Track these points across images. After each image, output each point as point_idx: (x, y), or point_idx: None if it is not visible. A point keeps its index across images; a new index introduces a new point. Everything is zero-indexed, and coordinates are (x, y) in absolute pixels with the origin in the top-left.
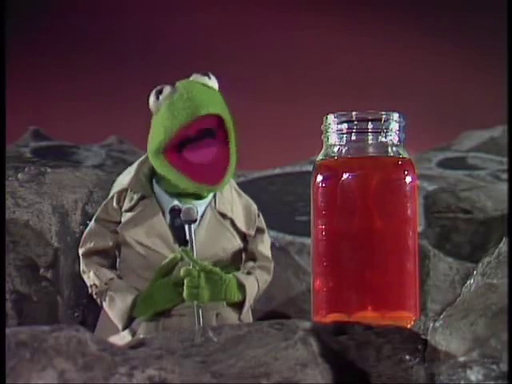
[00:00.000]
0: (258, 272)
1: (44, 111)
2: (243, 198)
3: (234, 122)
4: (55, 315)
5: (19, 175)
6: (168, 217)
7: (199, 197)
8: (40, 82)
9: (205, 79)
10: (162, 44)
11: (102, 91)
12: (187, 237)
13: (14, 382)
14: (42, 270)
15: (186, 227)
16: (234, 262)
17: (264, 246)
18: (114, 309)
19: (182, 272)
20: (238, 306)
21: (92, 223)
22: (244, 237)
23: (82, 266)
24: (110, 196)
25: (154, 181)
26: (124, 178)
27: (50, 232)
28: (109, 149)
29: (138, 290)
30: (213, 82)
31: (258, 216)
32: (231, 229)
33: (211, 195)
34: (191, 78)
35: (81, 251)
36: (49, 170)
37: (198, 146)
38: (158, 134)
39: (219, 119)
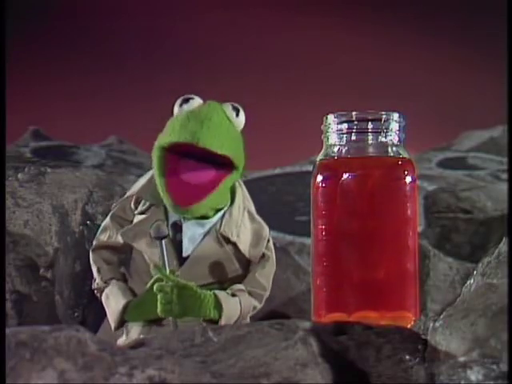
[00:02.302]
0: (244, 296)
1: (44, 111)
2: (256, 222)
3: (243, 163)
4: (55, 315)
5: (19, 175)
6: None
7: (204, 216)
8: (40, 82)
9: (232, 114)
10: (162, 44)
11: (102, 91)
12: (183, 253)
13: (14, 382)
14: (41, 270)
15: (158, 243)
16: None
17: (263, 273)
18: (109, 309)
19: (155, 288)
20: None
21: (107, 219)
22: (248, 262)
23: (91, 259)
24: (126, 196)
25: None
26: (139, 184)
27: (50, 232)
28: (109, 149)
29: (135, 293)
30: (239, 120)
31: (268, 242)
32: (232, 253)
33: (219, 215)
34: (223, 105)
35: (93, 244)
36: (49, 169)
37: (201, 164)
38: (166, 133)
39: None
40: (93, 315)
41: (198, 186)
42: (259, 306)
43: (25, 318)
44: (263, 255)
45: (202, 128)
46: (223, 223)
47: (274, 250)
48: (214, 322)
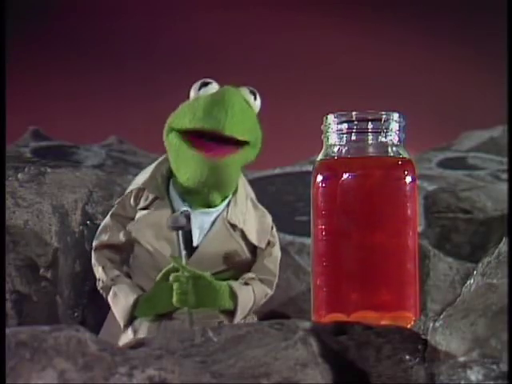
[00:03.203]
0: (256, 284)
1: (44, 111)
2: (259, 210)
3: (260, 143)
4: (55, 315)
5: (19, 175)
6: None
7: (211, 204)
8: (40, 82)
9: (250, 98)
10: (162, 44)
11: (102, 91)
12: (193, 243)
13: (14, 382)
14: (42, 270)
15: (175, 234)
16: (241, 274)
17: (271, 260)
18: (117, 306)
19: (171, 278)
20: (231, 315)
21: (107, 218)
22: (254, 249)
23: (93, 260)
24: (127, 192)
25: (170, 182)
26: (141, 177)
27: (50, 232)
28: (109, 149)
29: (143, 289)
30: (255, 104)
31: (272, 229)
32: (240, 240)
33: (224, 204)
34: (240, 90)
35: (94, 244)
36: (49, 169)
37: (218, 143)
38: (183, 117)
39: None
40: (93, 315)
41: (224, 147)
42: (271, 292)
43: (25, 318)
44: (268, 242)
45: (227, 115)
46: (229, 211)
47: (277, 237)
48: (229, 311)
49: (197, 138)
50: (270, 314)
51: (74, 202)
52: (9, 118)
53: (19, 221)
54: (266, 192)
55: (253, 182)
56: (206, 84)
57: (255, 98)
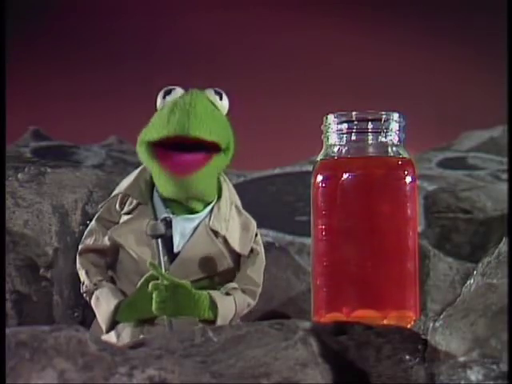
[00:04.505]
0: (238, 294)
1: (44, 111)
2: (243, 216)
3: (232, 146)
4: (55, 315)
5: (19, 175)
6: None
7: (193, 210)
8: (40, 82)
9: (216, 99)
10: (161, 44)
11: (101, 91)
12: (174, 249)
13: (14, 382)
14: (42, 270)
15: (153, 241)
16: (224, 281)
17: (254, 269)
18: (99, 311)
19: (150, 286)
20: (212, 324)
21: (93, 222)
22: (238, 257)
23: (77, 263)
24: (112, 196)
25: (154, 188)
26: (125, 183)
27: (50, 232)
28: (109, 149)
29: (125, 294)
30: (223, 104)
31: (256, 236)
32: (222, 247)
33: (207, 210)
34: (205, 91)
35: (79, 248)
36: (49, 169)
37: (190, 151)
38: (151, 129)
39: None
40: (93, 315)
41: (193, 160)
42: (253, 302)
43: (25, 318)
44: (252, 250)
45: (189, 118)
46: (212, 217)
47: (262, 245)
48: (209, 321)
49: (165, 151)
50: (270, 314)
51: (73, 202)
52: (9, 118)
53: (19, 221)
54: (266, 192)
55: (253, 182)
56: (169, 91)
57: (221, 98)
